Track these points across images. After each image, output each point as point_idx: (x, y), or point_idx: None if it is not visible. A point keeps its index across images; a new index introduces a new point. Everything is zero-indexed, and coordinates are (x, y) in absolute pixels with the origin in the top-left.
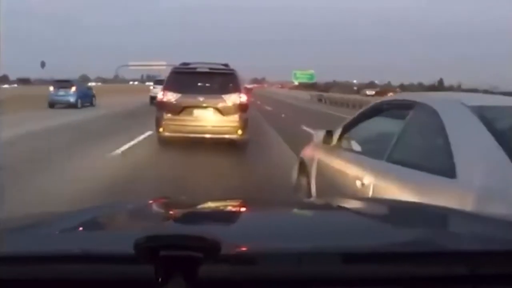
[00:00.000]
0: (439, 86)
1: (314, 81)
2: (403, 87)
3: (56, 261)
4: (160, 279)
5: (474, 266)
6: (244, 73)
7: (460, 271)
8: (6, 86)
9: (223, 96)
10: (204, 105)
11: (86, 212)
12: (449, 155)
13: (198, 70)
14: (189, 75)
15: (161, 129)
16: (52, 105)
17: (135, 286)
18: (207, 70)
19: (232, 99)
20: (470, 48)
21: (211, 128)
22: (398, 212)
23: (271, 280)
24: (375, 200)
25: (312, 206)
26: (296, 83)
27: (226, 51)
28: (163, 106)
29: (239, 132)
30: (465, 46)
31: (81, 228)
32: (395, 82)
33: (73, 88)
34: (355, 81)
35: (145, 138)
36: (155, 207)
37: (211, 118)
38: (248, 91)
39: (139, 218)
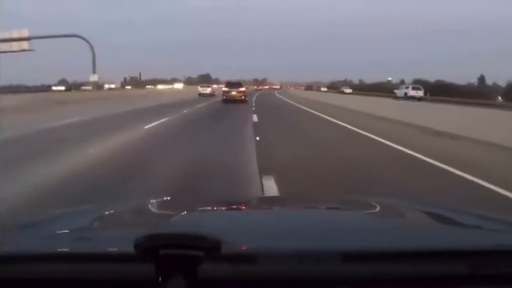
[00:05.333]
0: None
1: None
2: None
3: (57, 260)
4: (160, 278)
5: (474, 266)
6: (244, 73)
7: (460, 271)
8: None
9: (239, 88)
10: (234, 90)
11: (86, 211)
12: None
13: (233, 81)
14: (231, 83)
15: (223, 97)
16: None
17: (135, 285)
18: (235, 81)
19: (241, 89)
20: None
21: (236, 96)
22: (398, 212)
23: (271, 280)
24: (375, 200)
25: (312, 206)
26: None
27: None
28: (224, 91)
29: (243, 97)
30: None
31: (81, 228)
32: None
33: None
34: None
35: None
36: (155, 207)
37: (236, 94)
38: (246, 88)
39: (139, 217)
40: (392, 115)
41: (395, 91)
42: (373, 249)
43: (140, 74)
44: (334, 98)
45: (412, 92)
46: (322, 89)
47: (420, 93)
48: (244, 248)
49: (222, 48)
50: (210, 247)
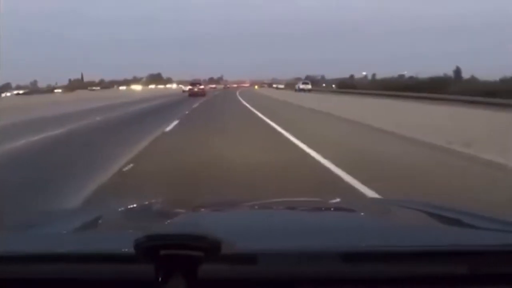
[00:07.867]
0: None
1: None
2: None
3: (57, 260)
4: (160, 278)
5: (474, 266)
6: (201, 72)
7: (460, 271)
8: None
9: (200, 86)
10: (196, 88)
11: (86, 212)
12: None
13: (195, 81)
14: (193, 83)
15: (189, 93)
16: None
17: (135, 285)
18: (196, 82)
19: (200, 87)
20: None
21: (198, 92)
22: (398, 212)
23: (271, 280)
24: (375, 200)
25: (312, 206)
26: None
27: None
28: (189, 89)
29: (203, 93)
30: None
31: (81, 228)
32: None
33: None
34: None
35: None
36: (155, 207)
37: (197, 90)
38: (215, 87)
39: (139, 218)
40: (283, 98)
41: (296, 85)
42: (372, 249)
43: (82, 75)
44: (268, 91)
45: (302, 86)
46: (274, 85)
47: (308, 86)
48: (244, 248)
49: (174, 47)
50: (210, 247)
